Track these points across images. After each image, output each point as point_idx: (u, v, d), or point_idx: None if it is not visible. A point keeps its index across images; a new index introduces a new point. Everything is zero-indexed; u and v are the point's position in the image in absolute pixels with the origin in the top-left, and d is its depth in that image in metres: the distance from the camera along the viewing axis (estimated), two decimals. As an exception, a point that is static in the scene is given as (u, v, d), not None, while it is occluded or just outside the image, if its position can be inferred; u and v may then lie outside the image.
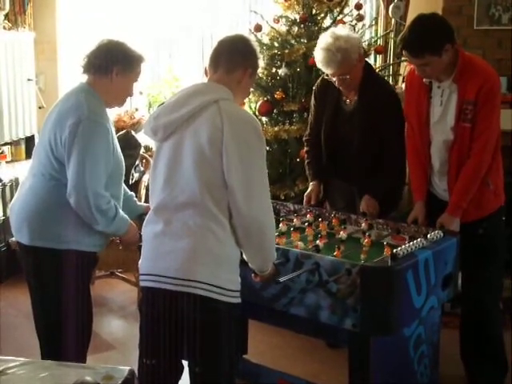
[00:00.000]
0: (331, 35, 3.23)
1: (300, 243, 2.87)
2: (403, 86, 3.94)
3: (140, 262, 2.45)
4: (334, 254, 2.70)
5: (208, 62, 2.45)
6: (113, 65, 2.73)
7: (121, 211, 2.79)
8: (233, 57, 2.40)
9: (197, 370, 2.38)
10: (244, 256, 2.43)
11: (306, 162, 3.65)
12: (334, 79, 3.30)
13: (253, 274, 2.51)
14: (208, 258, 2.29)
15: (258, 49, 2.49)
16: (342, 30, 3.32)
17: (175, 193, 2.33)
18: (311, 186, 3.52)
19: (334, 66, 3.22)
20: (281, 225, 3.06)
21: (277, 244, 2.78)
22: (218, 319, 2.32)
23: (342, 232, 2.96)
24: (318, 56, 3.25)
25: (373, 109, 3.30)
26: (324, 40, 3.24)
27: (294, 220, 3.18)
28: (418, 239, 2.79)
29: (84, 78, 2.81)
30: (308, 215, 3.23)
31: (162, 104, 2.45)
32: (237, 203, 2.27)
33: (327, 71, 3.30)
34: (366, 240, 2.90)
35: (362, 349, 2.66)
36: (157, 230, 2.36)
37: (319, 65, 3.29)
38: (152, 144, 5.30)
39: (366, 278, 2.51)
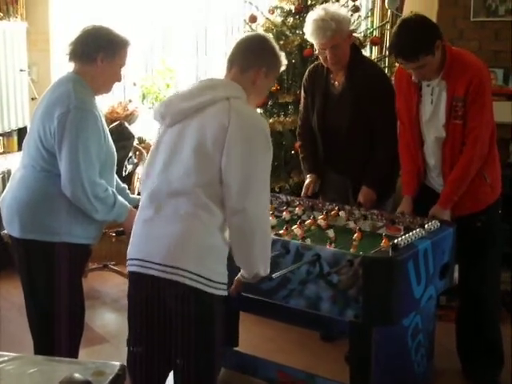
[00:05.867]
0: (322, 8, 3.29)
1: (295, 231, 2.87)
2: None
3: (128, 248, 2.42)
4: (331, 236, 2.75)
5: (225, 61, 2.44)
6: (97, 51, 2.69)
7: (119, 197, 2.75)
8: (246, 56, 2.39)
9: (178, 361, 2.32)
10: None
11: (300, 156, 3.63)
12: (326, 53, 3.26)
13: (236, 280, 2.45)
14: (196, 246, 2.24)
15: (275, 47, 2.43)
16: (331, 6, 3.40)
17: (170, 180, 2.30)
18: (309, 177, 3.51)
19: (329, 35, 3.21)
20: (284, 213, 3.11)
21: (278, 236, 2.79)
22: (201, 310, 2.27)
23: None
24: (311, 27, 3.25)
25: (361, 88, 3.29)
26: (315, 13, 3.27)
27: (297, 209, 3.19)
28: (417, 229, 2.80)
29: (71, 67, 2.76)
30: (301, 207, 3.24)
31: (176, 93, 2.47)
32: (231, 199, 2.23)
33: (321, 40, 3.25)
34: (357, 234, 2.85)
35: (364, 339, 2.66)
36: (147, 216, 2.34)
37: (312, 36, 3.27)
38: (145, 136, 5.30)
39: (369, 269, 2.51)
